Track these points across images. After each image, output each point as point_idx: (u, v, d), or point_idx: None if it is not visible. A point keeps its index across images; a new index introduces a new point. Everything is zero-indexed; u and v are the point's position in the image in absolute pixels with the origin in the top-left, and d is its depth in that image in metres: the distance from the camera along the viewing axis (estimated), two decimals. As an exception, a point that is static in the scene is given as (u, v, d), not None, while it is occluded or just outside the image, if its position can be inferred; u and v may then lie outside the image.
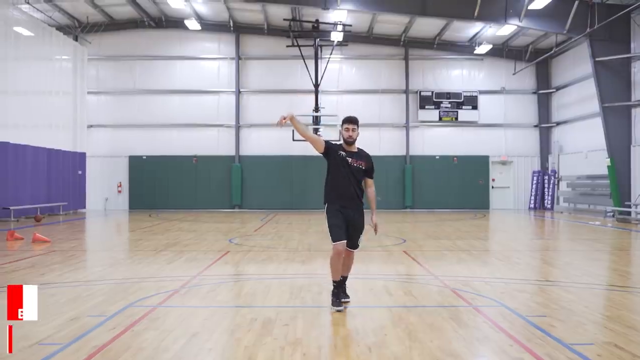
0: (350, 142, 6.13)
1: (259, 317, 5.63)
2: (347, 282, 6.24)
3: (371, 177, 6.22)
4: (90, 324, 5.31)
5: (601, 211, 20.73)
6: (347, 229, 5.97)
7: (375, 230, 6.11)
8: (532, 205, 25.62)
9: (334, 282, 6.06)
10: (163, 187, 25.42)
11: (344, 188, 6.03)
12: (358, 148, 6.25)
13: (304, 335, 5.03)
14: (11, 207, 18.08)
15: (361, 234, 6.09)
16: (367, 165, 6.15)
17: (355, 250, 6.16)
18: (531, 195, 25.79)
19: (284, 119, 5.86)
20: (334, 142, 6.26)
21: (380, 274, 8.24)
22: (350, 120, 6.14)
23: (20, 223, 17.81)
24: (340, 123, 6.20)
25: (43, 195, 20.39)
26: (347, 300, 6.20)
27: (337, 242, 5.89)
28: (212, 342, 4.82)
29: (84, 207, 23.96)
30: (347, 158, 6.05)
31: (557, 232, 16.43)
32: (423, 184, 25.60)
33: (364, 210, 6.15)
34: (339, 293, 6.07)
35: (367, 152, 6.31)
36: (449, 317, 5.66)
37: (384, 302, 6.37)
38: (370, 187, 6.23)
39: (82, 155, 23.76)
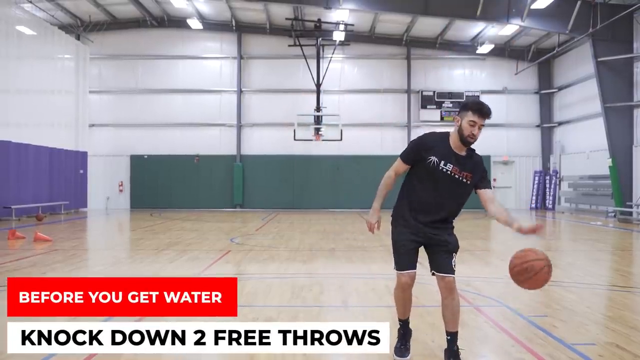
0: (469, 142, 4.05)
1: (260, 316, 5.62)
2: (349, 281, 6.09)
3: (487, 187, 4.21)
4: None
5: (603, 211, 20.71)
6: (433, 251, 4.24)
7: (536, 230, 4.03)
8: (533, 205, 25.60)
9: (400, 321, 4.47)
10: (165, 186, 25.43)
11: (430, 207, 4.16)
12: (469, 149, 4.13)
13: (305, 334, 5.01)
14: (13, 206, 18.09)
15: (454, 252, 4.22)
16: (474, 178, 4.13)
17: (453, 276, 4.20)
18: (533, 195, 25.77)
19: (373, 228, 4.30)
20: (435, 135, 4.24)
21: (382, 274, 8.23)
22: (484, 112, 4.01)
23: (21, 222, 17.83)
24: (460, 111, 4.08)
25: (44, 194, 20.41)
26: None
27: (403, 272, 4.23)
28: (213, 342, 4.80)
29: (86, 206, 23.98)
30: (446, 167, 4.06)
31: (558, 233, 16.40)
32: (425, 183, 25.51)
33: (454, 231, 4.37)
34: (406, 335, 4.44)
35: (480, 156, 4.22)
36: (450, 317, 5.64)
37: (385, 301, 6.35)
38: (492, 204, 4.19)
39: (84, 155, 23.78)
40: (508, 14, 20.04)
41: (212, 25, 25.36)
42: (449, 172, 4.05)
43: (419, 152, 4.13)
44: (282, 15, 23.60)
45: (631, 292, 7.12)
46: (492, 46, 24.13)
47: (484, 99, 25.40)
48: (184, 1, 21.53)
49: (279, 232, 14.79)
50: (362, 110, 25.44)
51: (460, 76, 26.08)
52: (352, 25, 23.11)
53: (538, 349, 4.55)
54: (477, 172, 4.13)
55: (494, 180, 25.90)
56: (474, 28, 23.64)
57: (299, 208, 24.92)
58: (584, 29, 19.25)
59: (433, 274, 4.26)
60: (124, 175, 25.73)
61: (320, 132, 22.54)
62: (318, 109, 22.83)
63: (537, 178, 25.70)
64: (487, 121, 4.07)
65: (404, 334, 4.43)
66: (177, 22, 25.32)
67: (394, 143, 25.62)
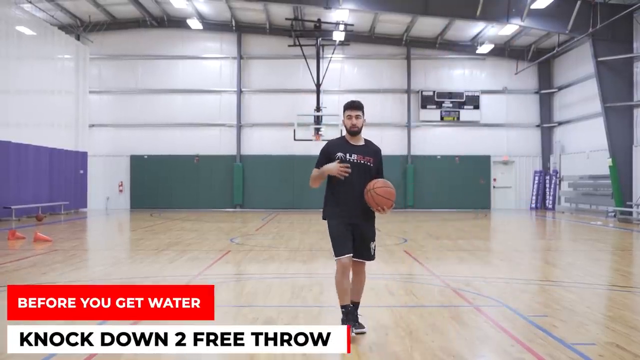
0: (354, 132, 4.96)
1: (260, 316, 5.62)
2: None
3: (380, 177, 4.97)
4: (92, 323, 5.30)
5: (603, 211, 20.71)
6: (354, 240, 4.94)
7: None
8: (533, 205, 25.59)
9: (342, 307, 4.97)
10: (164, 186, 25.43)
11: (349, 198, 4.88)
12: (365, 140, 5.07)
13: (305, 334, 5.01)
14: (13, 207, 18.09)
15: (373, 241, 5.03)
16: (375, 162, 4.96)
17: (367, 263, 5.10)
18: (532, 195, 25.76)
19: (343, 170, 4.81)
20: (333, 140, 5.16)
21: (381, 274, 8.23)
22: (354, 106, 5.02)
23: (21, 222, 17.84)
24: (343, 111, 5.09)
25: (44, 194, 20.41)
26: (363, 330, 4.96)
27: (341, 256, 4.86)
28: (213, 342, 4.81)
29: (86, 207, 23.97)
30: (350, 157, 4.88)
31: (558, 232, 16.41)
32: (424, 183, 25.58)
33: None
34: (356, 317, 5.00)
35: (377, 145, 5.14)
36: (450, 316, 5.66)
37: (385, 301, 6.36)
38: None
39: (84, 155, 23.78)
40: (508, 14, 20.03)
41: (212, 25, 25.36)
42: (355, 160, 4.88)
43: (328, 154, 4.93)
44: (282, 15, 23.60)
45: (631, 292, 7.11)
46: (492, 46, 24.13)
47: (484, 98, 25.61)
48: (184, 1, 21.52)
49: (279, 232, 14.79)
50: (362, 110, 25.42)
51: (460, 76, 26.07)
52: (352, 25, 23.11)
53: (538, 349, 4.55)
54: (377, 157, 4.99)
55: (494, 180, 25.93)
56: (474, 28, 23.63)
57: (299, 208, 24.91)
58: (584, 28, 19.24)
59: (352, 258, 4.93)
60: (124, 175, 25.73)
61: (320, 132, 22.54)
62: (318, 109, 22.83)
63: (537, 178, 25.70)
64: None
65: (354, 316, 4.96)
66: (177, 22, 25.32)
67: (393, 143, 25.64)
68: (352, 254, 4.90)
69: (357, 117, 4.99)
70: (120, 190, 25.68)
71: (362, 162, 4.90)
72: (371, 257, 5.04)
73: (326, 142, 5.16)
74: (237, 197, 25.37)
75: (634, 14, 18.63)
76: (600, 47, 19.38)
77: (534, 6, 18.70)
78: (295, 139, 22.55)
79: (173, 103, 25.73)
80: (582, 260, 10.01)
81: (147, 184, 25.38)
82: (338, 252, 4.88)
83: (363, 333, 4.92)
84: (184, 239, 13.14)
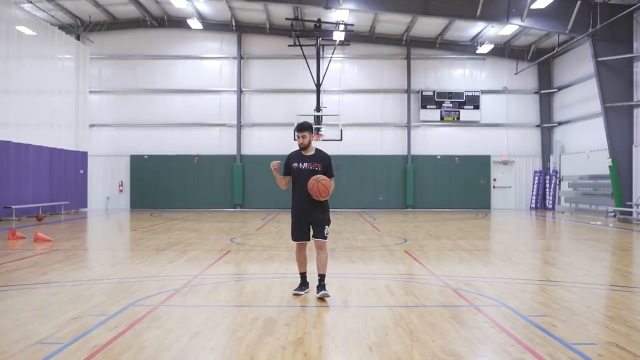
0: (302, 147, 6.61)
1: (260, 316, 5.63)
2: (349, 281, 6.15)
3: (331, 176, 6.53)
4: (92, 323, 5.31)
5: (603, 211, 20.71)
6: (309, 226, 6.55)
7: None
8: (533, 205, 25.60)
9: (300, 274, 6.78)
10: (165, 186, 25.44)
11: (303, 194, 6.44)
12: (316, 149, 6.66)
13: (305, 334, 5.03)
14: (13, 206, 18.10)
15: (326, 225, 6.53)
16: (323, 166, 6.52)
17: (323, 241, 6.51)
18: (532, 195, 25.77)
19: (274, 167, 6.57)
20: (292, 153, 6.75)
21: (381, 274, 8.24)
22: (300, 129, 6.59)
23: (21, 222, 17.84)
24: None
25: (45, 194, 20.42)
26: (326, 294, 6.41)
27: (296, 241, 6.66)
28: (213, 342, 4.82)
29: (86, 207, 23.99)
30: (302, 165, 6.50)
31: (558, 232, 16.40)
32: (424, 183, 25.58)
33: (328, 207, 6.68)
34: (305, 284, 6.73)
35: (326, 152, 6.72)
36: (450, 316, 5.66)
37: (385, 301, 6.36)
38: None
39: (84, 155, 23.79)
40: (508, 14, 20.03)
41: (212, 25, 25.36)
42: (305, 167, 6.51)
43: (287, 164, 6.66)
44: (282, 15, 23.60)
45: (631, 292, 7.12)
46: (492, 46, 24.12)
47: (484, 98, 25.62)
48: (184, 1, 21.52)
49: (279, 232, 14.79)
50: (362, 110, 25.45)
51: (460, 76, 26.07)
52: (352, 25, 23.11)
53: (538, 349, 4.55)
54: (323, 162, 6.56)
55: (494, 180, 25.93)
56: (474, 28, 23.63)
57: (299, 208, 24.87)
58: (583, 28, 19.25)
59: (310, 239, 6.57)
60: (124, 175, 25.74)
61: (320, 132, 22.51)
62: (318, 109, 22.81)
63: (537, 178, 25.70)
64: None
65: (303, 283, 6.72)
66: (177, 22, 25.33)
67: (393, 143, 25.66)
68: (305, 241, 6.58)
69: (303, 136, 6.57)
70: (120, 190, 25.69)
71: (311, 168, 6.48)
72: (324, 237, 6.52)
73: (289, 153, 6.81)
74: (237, 197, 25.37)
75: (634, 14, 18.64)
76: (600, 47, 19.38)
77: (534, 6, 18.70)
78: (295, 139, 22.49)
79: (173, 103, 25.73)
80: (582, 260, 10.01)
81: (147, 184, 25.39)
82: (294, 238, 6.67)
83: (327, 296, 6.37)
84: (184, 238, 13.14)
